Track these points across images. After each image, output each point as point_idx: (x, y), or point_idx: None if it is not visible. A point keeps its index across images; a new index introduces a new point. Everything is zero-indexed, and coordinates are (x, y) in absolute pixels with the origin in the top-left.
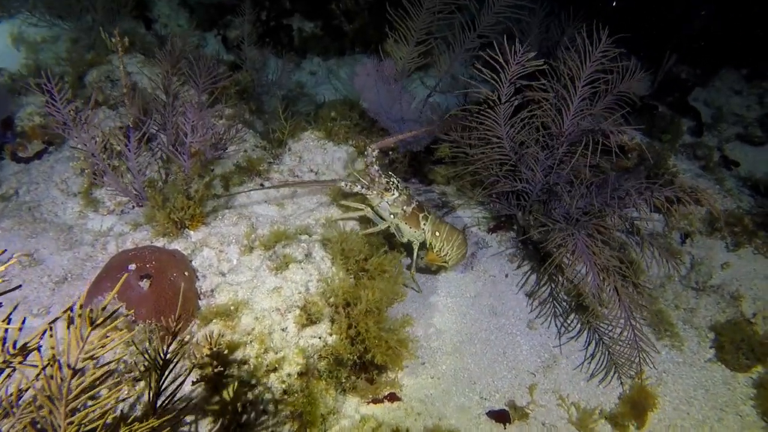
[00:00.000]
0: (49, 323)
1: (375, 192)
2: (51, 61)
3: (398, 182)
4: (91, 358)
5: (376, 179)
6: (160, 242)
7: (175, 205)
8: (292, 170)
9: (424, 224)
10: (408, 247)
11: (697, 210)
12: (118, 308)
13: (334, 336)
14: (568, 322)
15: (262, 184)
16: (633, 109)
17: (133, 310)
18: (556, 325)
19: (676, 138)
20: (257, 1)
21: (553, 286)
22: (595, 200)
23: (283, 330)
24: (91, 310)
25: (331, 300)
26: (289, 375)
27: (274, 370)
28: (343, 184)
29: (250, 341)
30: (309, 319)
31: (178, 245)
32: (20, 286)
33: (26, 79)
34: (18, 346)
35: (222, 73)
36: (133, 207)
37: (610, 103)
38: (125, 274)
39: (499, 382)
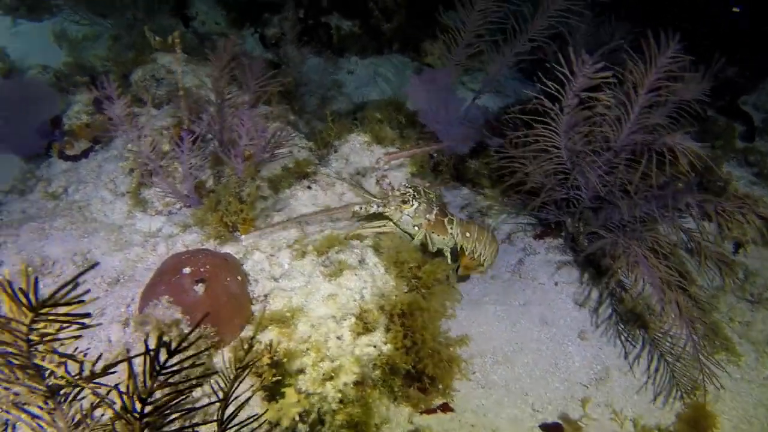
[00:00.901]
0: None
1: (393, 207)
2: (94, 60)
3: (414, 191)
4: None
5: (390, 193)
6: (210, 245)
7: (228, 208)
8: (339, 172)
9: (451, 228)
10: (440, 255)
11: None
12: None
13: (389, 345)
14: (622, 334)
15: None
16: (687, 115)
17: (188, 316)
18: (608, 337)
19: (728, 144)
20: None
21: (606, 296)
22: (655, 210)
23: (338, 338)
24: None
25: (386, 308)
26: (345, 384)
27: (330, 378)
28: (357, 208)
29: (307, 349)
30: (364, 327)
31: (229, 249)
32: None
33: (71, 77)
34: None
35: (272, 76)
36: (181, 208)
37: (671, 111)
38: (180, 278)
39: (552, 394)
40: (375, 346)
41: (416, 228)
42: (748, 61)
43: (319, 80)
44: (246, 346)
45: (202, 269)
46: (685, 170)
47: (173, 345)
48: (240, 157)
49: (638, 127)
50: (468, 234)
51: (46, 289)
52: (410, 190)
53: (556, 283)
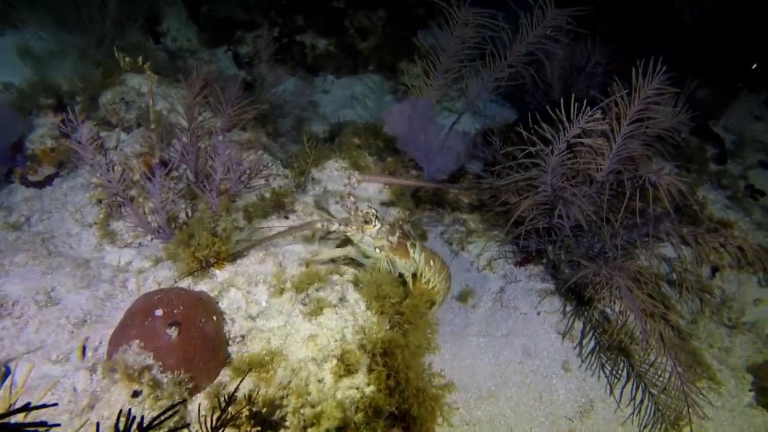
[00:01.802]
0: None
1: (354, 227)
2: (60, 78)
3: (376, 212)
4: None
5: (353, 212)
6: (184, 282)
7: (200, 242)
8: (317, 201)
9: (414, 253)
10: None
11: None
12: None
13: (371, 386)
14: (606, 365)
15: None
16: (665, 142)
17: (160, 362)
18: (592, 368)
19: (702, 167)
20: (269, 17)
21: (589, 326)
22: (636, 239)
23: (319, 381)
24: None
25: (368, 348)
26: (327, 431)
27: (312, 425)
28: (318, 224)
29: (287, 395)
30: (346, 369)
31: (203, 286)
32: None
33: (35, 98)
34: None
35: (248, 103)
36: (152, 239)
37: (650, 139)
38: (152, 321)
39: (537, 429)
40: (357, 389)
41: (377, 250)
42: (717, 83)
43: (294, 101)
44: (222, 398)
45: (175, 310)
46: (666, 204)
47: (145, 421)
48: (215, 191)
49: (620, 158)
50: (431, 263)
51: (4, 333)
52: (373, 211)
53: (538, 313)
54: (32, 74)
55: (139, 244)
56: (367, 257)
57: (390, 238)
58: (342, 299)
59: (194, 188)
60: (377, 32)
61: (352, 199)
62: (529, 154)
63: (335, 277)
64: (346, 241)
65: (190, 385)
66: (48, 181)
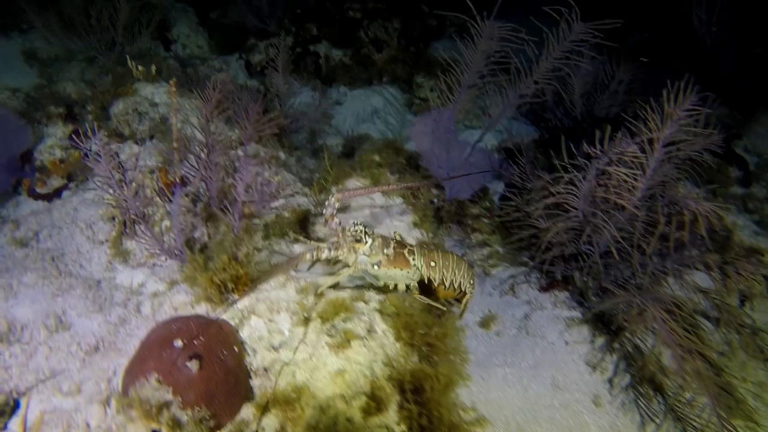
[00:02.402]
0: None
1: (346, 249)
2: (67, 85)
3: (365, 227)
4: None
5: (341, 234)
6: (201, 308)
7: (217, 266)
8: (340, 222)
9: (414, 260)
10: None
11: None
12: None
13: (402, 426)
14: (639, 400)
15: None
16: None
17: (180, 397)
18: (624, 404)
19: (726, 189)
20: (283, 25)
21: (620, 358)
22: (668, 267)
23: (348, 420)
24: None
25: (398, 383)
26: None
27: None
28: (308, 256)
29: None
30: (376, 407)
31: (222, 313)
32: None
33: (45, 106)
34: None
35: (273, 116)
36: (166, 260)
37: (681, 163)
38: (171, 352)
39: None
40: (387, 428)
41: (376, 267)
42: (735, 101)
43: (307, 112)
44: None
45: (195, 341)
46: (703, 231)
47: None
48: (237, 213)
49: (653, 183)
50: (433, 263)
51: (12, 360)
52: (360, 227)
53: (566, 343)
54: (38, 79)
55: (153, 264)
56: (369, 274)
57: (386, 251)
58: (370, 330)
59: (216, 211)
60: (393, 43)
61: (336, 220)
62: (561, 178)
63: (361, 305)
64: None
65: (211, 423)
66: (57, 193)
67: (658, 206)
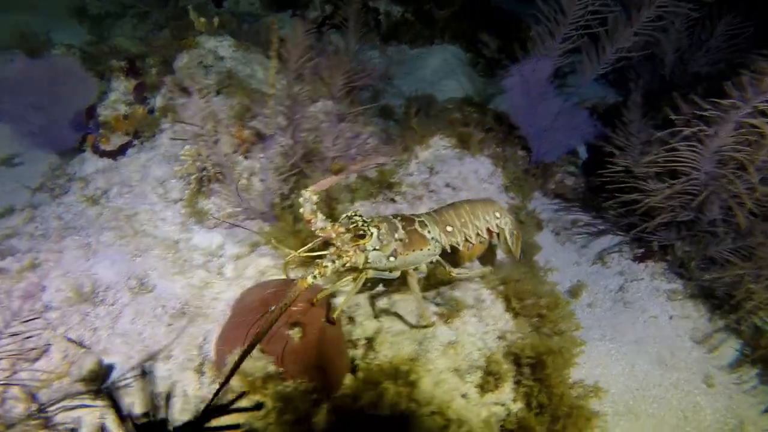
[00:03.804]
0: None
1: (350, 250)
2: (122, 41)
3: (362, 216)
4: None
5: (336, 235)
6: (291, 274)
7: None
8: (426, 184)
9: (429, 231)
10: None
11: None
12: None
13: (519, 403)
14: (755, 380)
15: None
16: None
17: (281, 368)
18: (739, 384)
19: None
20: None
21: (731, 335)
22: None
23: (463, 396)
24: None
25: (515, 356)
26: None
27: None
28: (310, 278)
29: (430, 413)
30: (493, 382)
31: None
32: None
33: (103, 60)
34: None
35: (361, 71)
36: (243, 220)
37: None
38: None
39: None
40: (504, 405)
41: (392, 258)
42: None
43: (372, 71)
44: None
45: (294, 308)
46: None
47: None
48: (328, 170)
49: None
50: (449, 227)
51: (98, 322)
52: (358, 219)
53: (670, 317)
54: (89, 36)
55: (230, 224)
56: (386, 269)
57: (397, 235)
58: (478, 299)
59: (304, 169)
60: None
61: (320, 216)
62: (681, 134)
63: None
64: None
65: (314, 396)
66: (121, 150)
67: None
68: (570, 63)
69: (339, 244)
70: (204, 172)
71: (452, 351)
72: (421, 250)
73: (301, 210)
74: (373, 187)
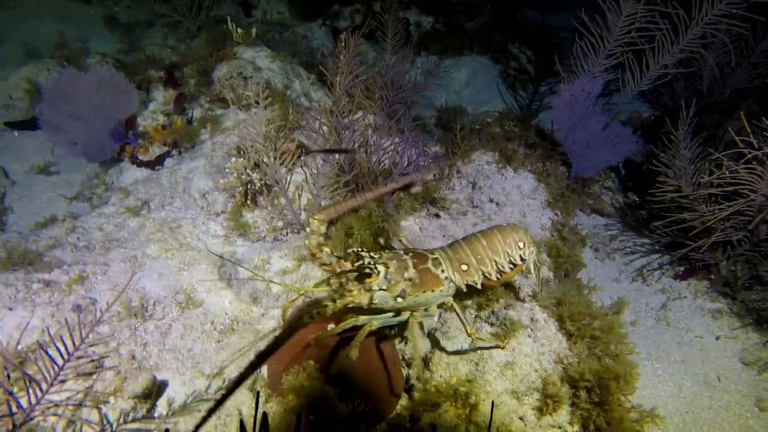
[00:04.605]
0: None
1: (354, 290)
2: (153, 49)
3: (368, 253)
4: None
5: (338, 272)
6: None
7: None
8: (470, 199)
9: (443, 270)
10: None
11: None
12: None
13: (575, 426)
14: None
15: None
16: None
17: (339, 389)
18: None
19: None
20: None
21: None
22: None
23: (521, 419)
24: None
25: (570, 379)
26: None
27: None
28: (306, 318)
29: None
30: (552, 404)
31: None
32: None
33: (141, 69)
34: None
35: (419, 84)
36: (287, 234)
37: None
38: (327, 340)
39: None
40: (560, 428)
41: (400, 299)
42: None
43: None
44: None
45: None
46: None
47: None
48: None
49: None
50: (464, 266)
51: (148, 337)
52: (366, 256)
53: (717, 338)
54: (119, 44)
55: (274, 239)
56: (393, 313)
57: (406, 275)
58: (533, 319)
59: (368, 183)
60: (486, 10)
61: (327, 250)
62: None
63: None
64: (357, 309)
65: (371, 418)
66: (159, 160)
67: None
68: (612, 80)
69: (343, 281)
70: (249, 186)
71: (510, 372)
72: (433, 291)
73: (307, 242)
74: (417, 203)
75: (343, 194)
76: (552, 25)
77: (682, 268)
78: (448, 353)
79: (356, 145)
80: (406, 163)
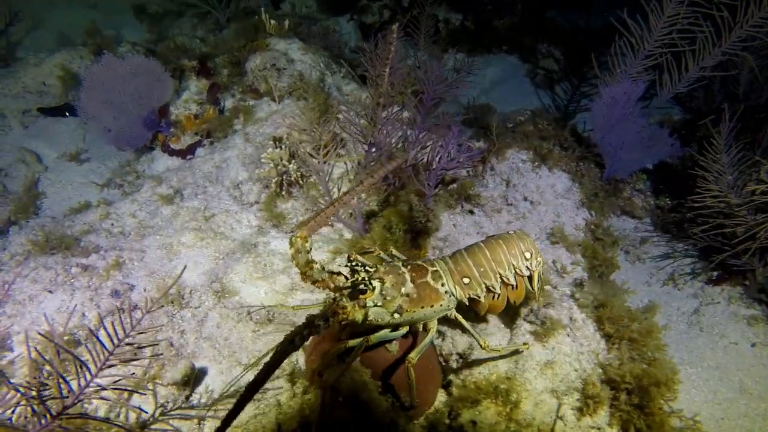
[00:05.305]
0: None
1: (347, 306)
2: (182, 39)
3: (364, 265)
4: None
5: (331, 288)
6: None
7: (398, 238)
8: (504, 197)
9: (443, 284)
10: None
11: None
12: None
13: (614, 428)
14: None
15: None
16: None
17: (379, 382)
18: None
19: None
20: None
21: None
22: None
23: (560, 419)
24: None
25: (610, 381)
26: None
27: None
28: (296, 340)
29: None
30: (592, 405)
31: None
32: None
33: (173, 59)
34: None
35: (455, 80)
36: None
37: None
38: None
39: None
40: (600, 429)
41: (397, 315)
42: None
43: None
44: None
45: None
46: None
47: None
48: (433, 181)
49: None
50: (466, 279)
51: (185, 324)
52: (362, 272)
53: (752, 344)
54: (148, 34)
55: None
56: (390, 328)
57: (404, 290)
58: (572, 319)
59: (415, 182)
60: (517, 8)
61: (317, 267)
62: None
63: (558, 293)
64: (351, 328)
65: (410, 413)
66: (190, 150)
67: None
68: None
69: (337, 297)
70: (285, 176)
71: (550, 371)
72: (432, 306)
73: (294, 262)
74: (452, 199)
75: (383, 190)
76: (581, 25)
77: (715, 273)
78: (486, 349)
79: (393, 140)
80: (448, 158)
